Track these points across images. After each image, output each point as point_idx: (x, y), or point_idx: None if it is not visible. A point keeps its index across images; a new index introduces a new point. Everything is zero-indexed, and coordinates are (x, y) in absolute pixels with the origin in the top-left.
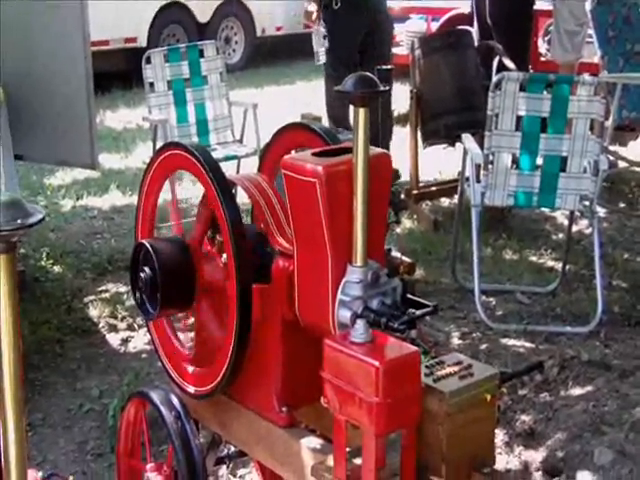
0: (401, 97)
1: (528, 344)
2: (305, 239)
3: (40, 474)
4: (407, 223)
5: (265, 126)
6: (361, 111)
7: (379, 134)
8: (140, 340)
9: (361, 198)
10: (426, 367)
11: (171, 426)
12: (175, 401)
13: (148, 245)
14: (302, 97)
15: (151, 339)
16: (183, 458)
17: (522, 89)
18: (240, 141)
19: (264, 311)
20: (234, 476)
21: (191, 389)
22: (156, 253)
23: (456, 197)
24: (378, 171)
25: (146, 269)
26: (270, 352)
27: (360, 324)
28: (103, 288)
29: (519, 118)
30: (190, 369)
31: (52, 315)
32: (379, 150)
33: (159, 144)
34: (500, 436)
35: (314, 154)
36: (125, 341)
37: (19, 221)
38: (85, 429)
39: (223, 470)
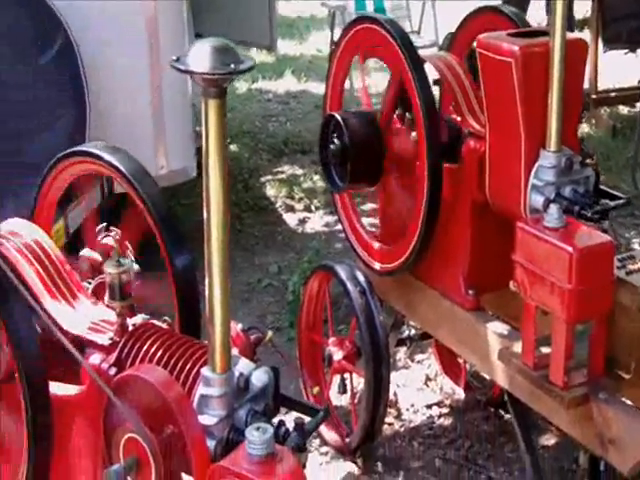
0: (579, 2)
1: None
2: (498, 121)
3: (240, 326)
4: (585, 127)
5: (442, 20)
6: None
7: None
8: (317, 222)
9: (557, 81)
10: (618, 260)
11: (356, 301)
12: (360, 277)
13: (339, 117)
14: None
15: (337, 215)
16: (367, 334)
17: None
18: (418, 32)
19: (453, 191)
20: (412, 360)
21: (377, 266)
22: (347, 125)
23: (637, 105)
24: (574, 56)
25: (336, 141)
26: (458, 233)
27: (554, 209)
28: (279, 169)
29: None
30: (376, 246)
31: (230, 191)
32: (574, 35)
33: (337, 31)
34: None
35: (510, 35)
36: (302, 221)
37: (232, 66)
38: (264, 303)
39: (401, 353)
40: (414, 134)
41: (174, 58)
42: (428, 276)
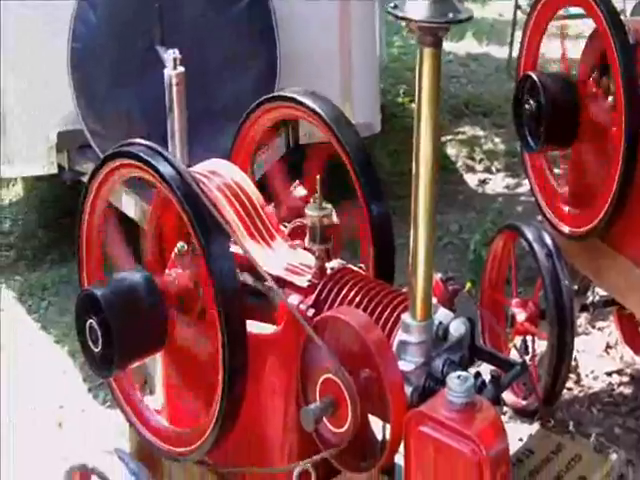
0: None
1: None
2: None
3: (439, 276)
4: None
5: None
6: None
7: None
8: (498, 183)
9: None
10: None
11: (542, 263)
12: (547, 239)
13: (535, 77)
14: None
15: (525, 175)
16: (552, 297)
17: None
18: None
19: None
20: (592, 327)
21: (566, 229)
22: (543, 86)
23: None
24: None
25: (531, 101)
26: None
27: None
28: (460, 130)
29: None
30: (566, 209)
31: (410, 147)
32: None
33: None
34: None
35: None
36: (483, 182)
37: (450, 15)
38: (445, 260)
39: (582, 319)
40: (610, 99)
41: (392, 5)
42: (619, 243)
